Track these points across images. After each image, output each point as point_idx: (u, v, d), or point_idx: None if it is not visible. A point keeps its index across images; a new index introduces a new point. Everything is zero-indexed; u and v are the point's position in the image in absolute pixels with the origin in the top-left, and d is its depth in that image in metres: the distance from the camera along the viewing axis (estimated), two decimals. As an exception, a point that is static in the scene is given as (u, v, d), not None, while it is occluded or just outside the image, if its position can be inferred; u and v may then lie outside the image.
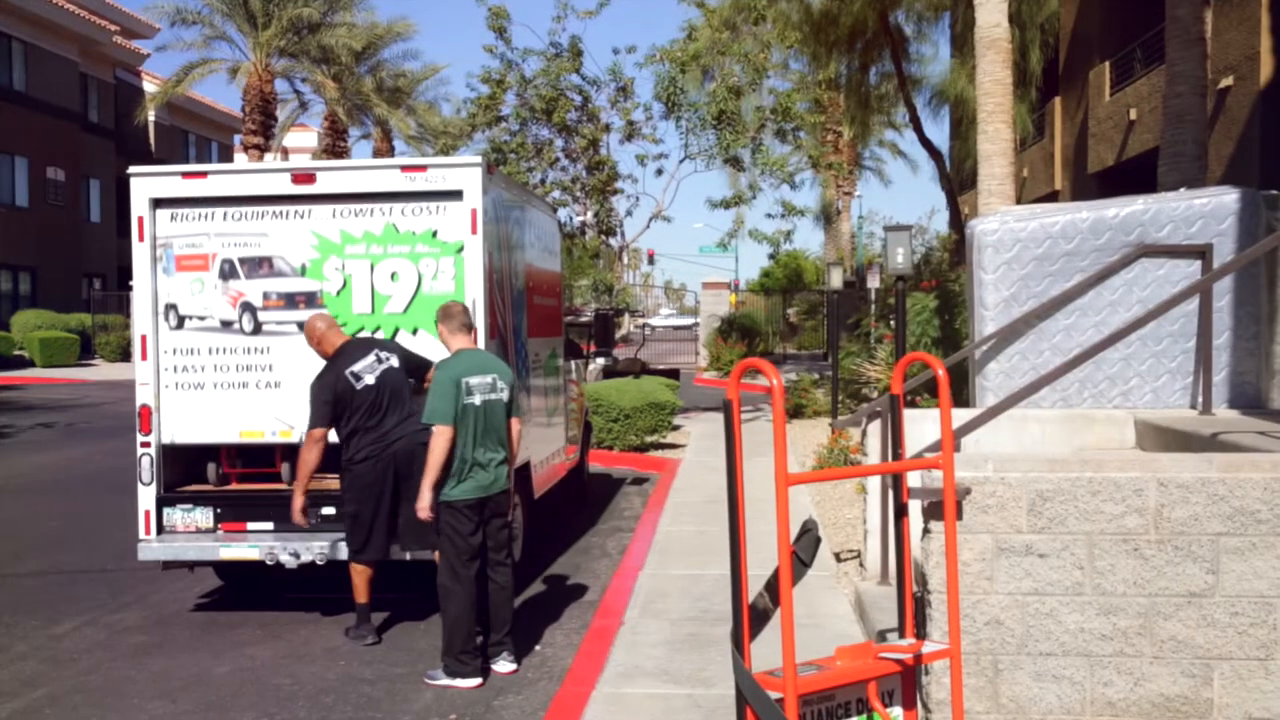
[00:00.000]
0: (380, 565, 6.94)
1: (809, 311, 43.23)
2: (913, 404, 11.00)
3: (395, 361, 6.89)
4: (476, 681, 6.01)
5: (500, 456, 6.23)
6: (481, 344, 7.06)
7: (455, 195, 7.14)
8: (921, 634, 3.12)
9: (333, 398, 6.69)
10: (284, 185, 7.24)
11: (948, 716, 4.38)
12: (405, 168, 7.22)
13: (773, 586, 2.80)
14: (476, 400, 6.09)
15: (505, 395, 6.26)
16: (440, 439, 5.98)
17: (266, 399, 7.32)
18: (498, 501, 6.25)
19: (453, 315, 6.34)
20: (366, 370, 6.77)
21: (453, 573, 6.08)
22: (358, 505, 6.75)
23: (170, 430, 7.36)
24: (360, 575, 6.85)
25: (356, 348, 6.90)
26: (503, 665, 6.24)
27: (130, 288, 33.39)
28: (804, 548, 2.89)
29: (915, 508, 4.44)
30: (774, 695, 2.57)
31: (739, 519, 2.64)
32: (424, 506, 6.04)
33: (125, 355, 33.32)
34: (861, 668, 2.78)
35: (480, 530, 6.16)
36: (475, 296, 7.14)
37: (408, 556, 7.01)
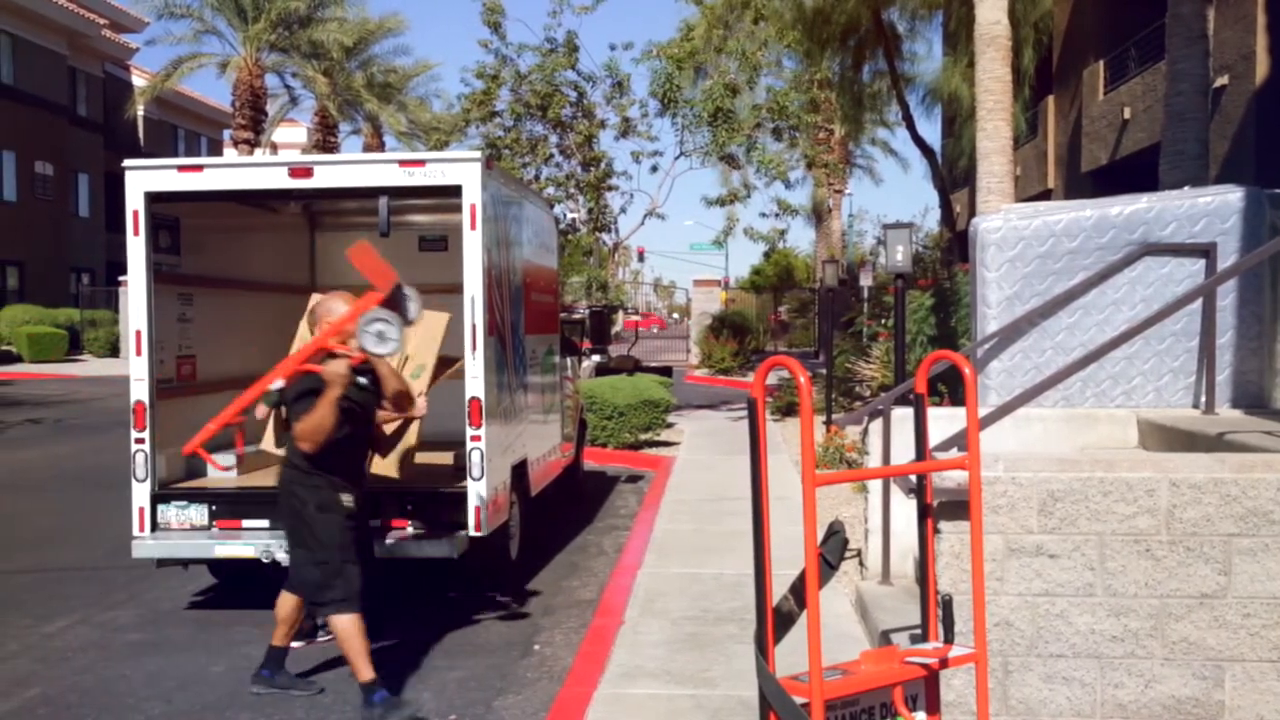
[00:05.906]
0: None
1: (799, 309, 43.28)
2: (907, 402, 10.94)
3: None
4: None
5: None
6: (480, 341, 7.05)
7: (454, 191, 7.07)
8: (950, 638, 3.07)
9: None
10: (281, 179, 7.16)
11: (955, 718, 4.34)
12: (404, 162, 7.13)
13: (798, 589, 2.75)
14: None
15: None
16: None
17: None
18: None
19: None
20: None
21: None
22: None
23: None
24: None
25: None
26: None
27: (120, 283, 33.10)
28: (831, 550, 2.84)
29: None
30: (798, 700, 2.51)
31: (764, 519, 2.58)
32: None
33: (114, 351, 33.13)
34: (887, 672, 2.72)
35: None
36: (474, 293, 7.07)
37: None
